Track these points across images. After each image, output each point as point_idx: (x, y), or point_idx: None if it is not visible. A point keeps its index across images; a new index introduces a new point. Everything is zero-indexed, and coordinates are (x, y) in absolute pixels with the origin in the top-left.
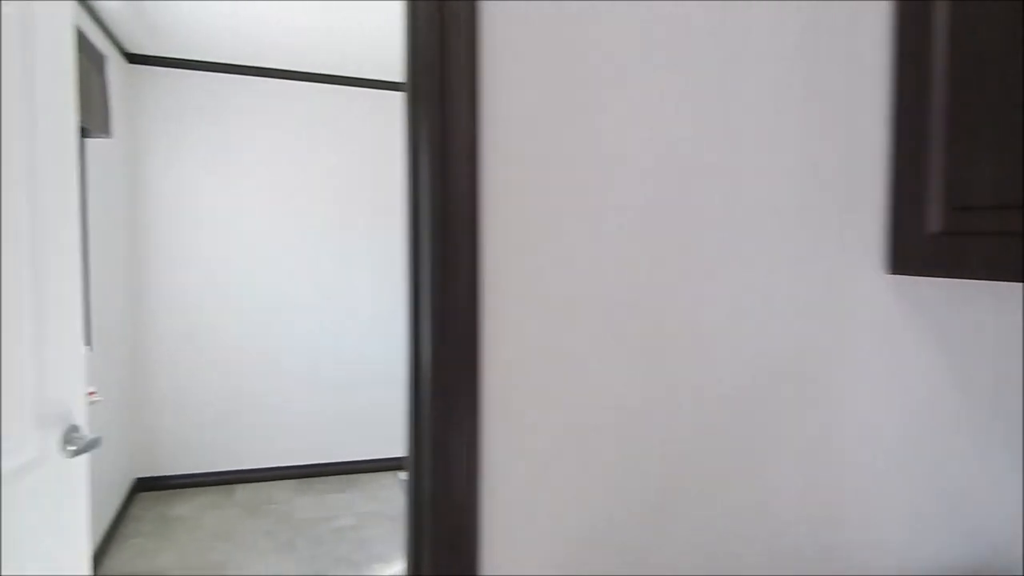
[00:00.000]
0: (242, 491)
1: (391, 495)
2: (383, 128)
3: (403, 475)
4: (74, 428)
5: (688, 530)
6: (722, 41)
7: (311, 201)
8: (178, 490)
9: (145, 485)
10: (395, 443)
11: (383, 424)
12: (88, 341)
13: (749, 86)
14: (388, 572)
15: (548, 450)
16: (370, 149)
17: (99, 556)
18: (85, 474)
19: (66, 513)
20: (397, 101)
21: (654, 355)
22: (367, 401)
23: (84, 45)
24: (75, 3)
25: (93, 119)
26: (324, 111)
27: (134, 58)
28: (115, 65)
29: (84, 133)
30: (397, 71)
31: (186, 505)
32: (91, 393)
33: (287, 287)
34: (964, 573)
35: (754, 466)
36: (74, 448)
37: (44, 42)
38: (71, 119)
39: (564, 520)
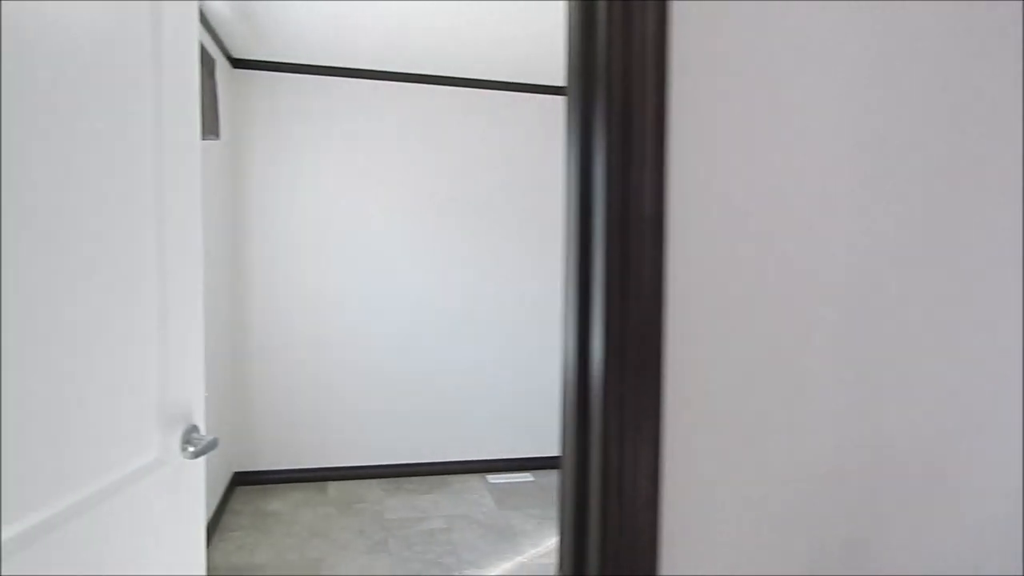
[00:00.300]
0: (334, 488)
1: (480, 499)
2: (486, 128)
3: (492, 478)
4: (194, 428)
5: None
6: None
7: (408, 203)
8: (272, 485)
9: (242, 479)
10: (483, 446)
11: (471, 426)
12: None
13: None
14: None
15: (730, 501)
16: (471, 150)
17: None
18: (203, 474)
19: (185, 513)
20: (500, 100)
21: (853, 413)
22: (456, 403)
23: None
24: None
25: (204, 122)
26: (426, 112)
27: (237, 63)
28: (220, 69)
29: None
30: (503, 70)
31: (281, 501)
32: None
33: (382, 288)
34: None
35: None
36: (194, 449)
37: (171, 44)
38: (195, 123)
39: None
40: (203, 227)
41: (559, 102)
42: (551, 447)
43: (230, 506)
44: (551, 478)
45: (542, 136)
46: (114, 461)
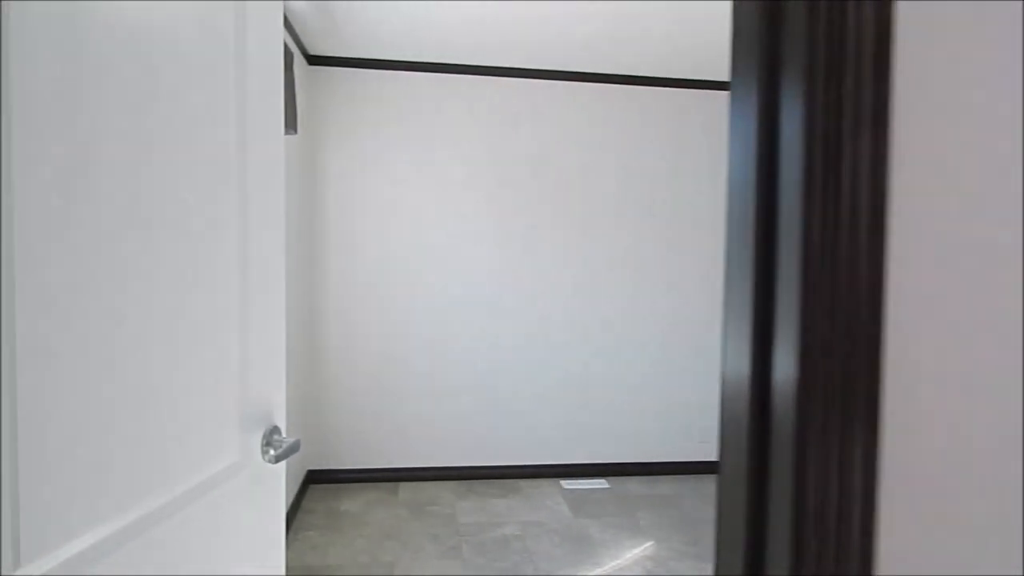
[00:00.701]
0: (405, 489)
1: (554, 505)
2: (574, 119)
3: (566, 484)
4: (275, 430)
5: None
6: None
7: (494, 199)
8: (345, 484)
9: (315, 477)
10: (558, 451)
11: (544, 429)
12: None
13: None
14: None
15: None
16: (573, 145)
17: None
18: (283, 476)
19: (266, 514)
20: (581, 92)
21: None
22: (528, 405)
23: None
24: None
25: (284, 117)
26: (507, 105)
27: (314, 60)
28: (296, 66)
29: None
30: (581, 60)
31: (354, 501)
32: None
33: (461, 287)
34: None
35: None
36: (275, 453)
37: (255, 40)
38: (279, 119)
39: None
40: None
41: (664, 92)
42: (626, 451)
43: (304, 504)
44: (627, 485)
45: (659, 128)
46: (197, 463)
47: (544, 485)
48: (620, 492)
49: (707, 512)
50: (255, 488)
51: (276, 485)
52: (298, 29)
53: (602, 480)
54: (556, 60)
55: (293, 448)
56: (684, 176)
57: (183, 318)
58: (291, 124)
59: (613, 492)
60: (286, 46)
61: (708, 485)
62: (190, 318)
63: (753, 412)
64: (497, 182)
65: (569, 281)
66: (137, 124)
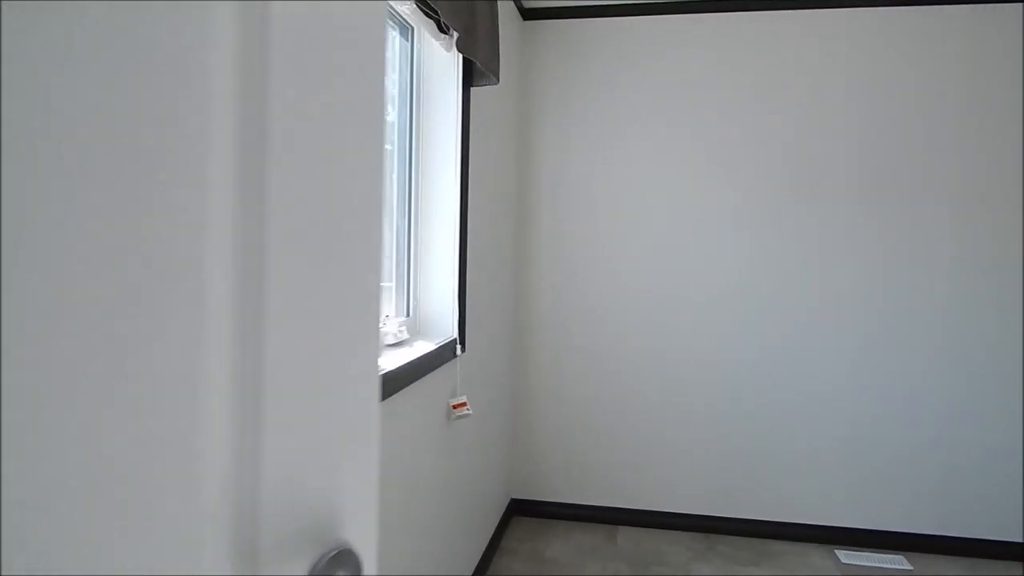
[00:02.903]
0: (625, 537)
1: None
2: (855, 60)
3: (845, 556)
4: (341, 556)
5: None
6: None
7: (740, 172)
8: (553, 521)
9: (520, 508)
10: (833, 508)
11: (816, 478)
12: (463, 341)
13: None
14: None
15: None
16: (834, 96)
17: None
18: None
19: None
20: (866, 20)
21: None
22: (792, 446)
23: None
24: None
25: (488, 61)
26: (770, 46)
27: (529, 13)
28: (510, 21)
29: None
30: None
31: (563, 544)
32: (460, 405)
33: (697, 286)
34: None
35: None
36: None
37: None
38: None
39: None
40: (489, 206)
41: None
42: (931, 518)
43: (504, 544)
44: (937, 566)
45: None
46: None
47: (812, 553)
48: None
49: None
50: None
51: None
52: None
53: (898, 556)
54: None
55: None
56: (988, 135)
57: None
58: (492, 69)
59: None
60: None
61: None
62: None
63: None
64: (746, 152)
65: (852, 279)
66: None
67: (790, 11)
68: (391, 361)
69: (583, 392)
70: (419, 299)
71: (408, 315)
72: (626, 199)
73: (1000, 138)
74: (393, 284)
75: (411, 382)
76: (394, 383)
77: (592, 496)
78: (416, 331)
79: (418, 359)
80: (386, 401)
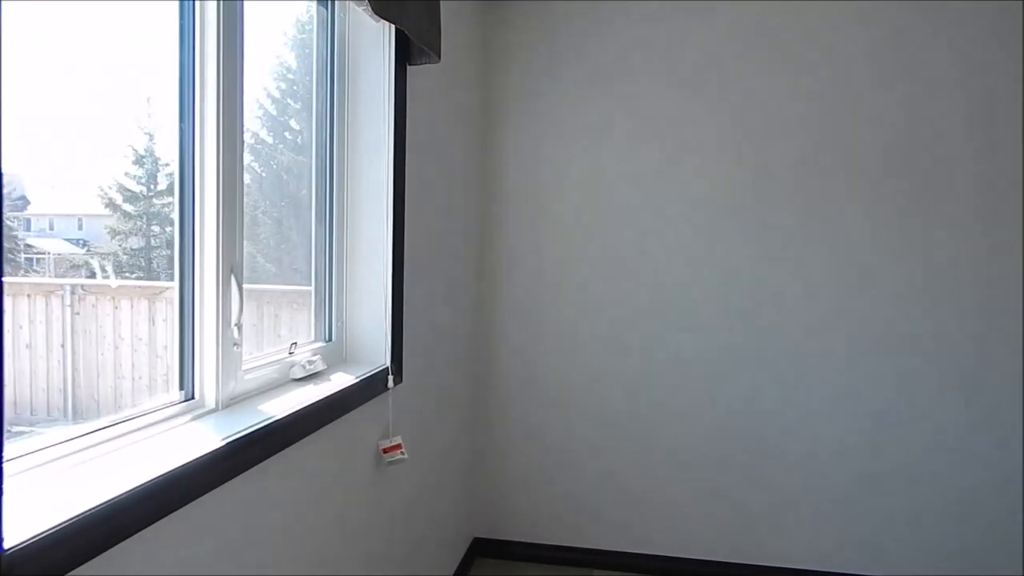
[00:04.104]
0: None
1: None
2: (868, 47)
3: None
4: None
5: None
6: None
7: (750, 171)
8: (521, 563)
9: (485, 549)
10: (821, 554)
11: (812, 518)
12: (397, 371)
13: None
14: None
15: None
16: (843, 75)
17: None
18: None
19: None
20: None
21: None
22: (790, 482)
23: None
24: None
25: (422, 32)
26: (768, 30)
27: None
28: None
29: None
30: None
31: None
32: (394, 448)
33: (695, 306)
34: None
35: None
36: None
37: None
38: None
39: None
40: (439, 209)
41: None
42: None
43: None
44: None
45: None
46: None
47: None
48: None
49: None
50: None
51: None
52: None
53: None
54: None
55: None
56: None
57: None
58: (431, 46)
59: None
60: None
61: None
62: None
63: None
64: (734, 147)
65: (848, 287)
66: None
67: (780, 1)
68: (287, 403)
69: (555, 422)
70: (347, 321)
71: (329, 340)
72: (603, 204)
73: (1006, 138)
74: (312, 303)
75: (319, 427)
76: (292, 430)
77: (564, 536)
78: (343, 358)
79: (328, 398)
80: (278, 455)
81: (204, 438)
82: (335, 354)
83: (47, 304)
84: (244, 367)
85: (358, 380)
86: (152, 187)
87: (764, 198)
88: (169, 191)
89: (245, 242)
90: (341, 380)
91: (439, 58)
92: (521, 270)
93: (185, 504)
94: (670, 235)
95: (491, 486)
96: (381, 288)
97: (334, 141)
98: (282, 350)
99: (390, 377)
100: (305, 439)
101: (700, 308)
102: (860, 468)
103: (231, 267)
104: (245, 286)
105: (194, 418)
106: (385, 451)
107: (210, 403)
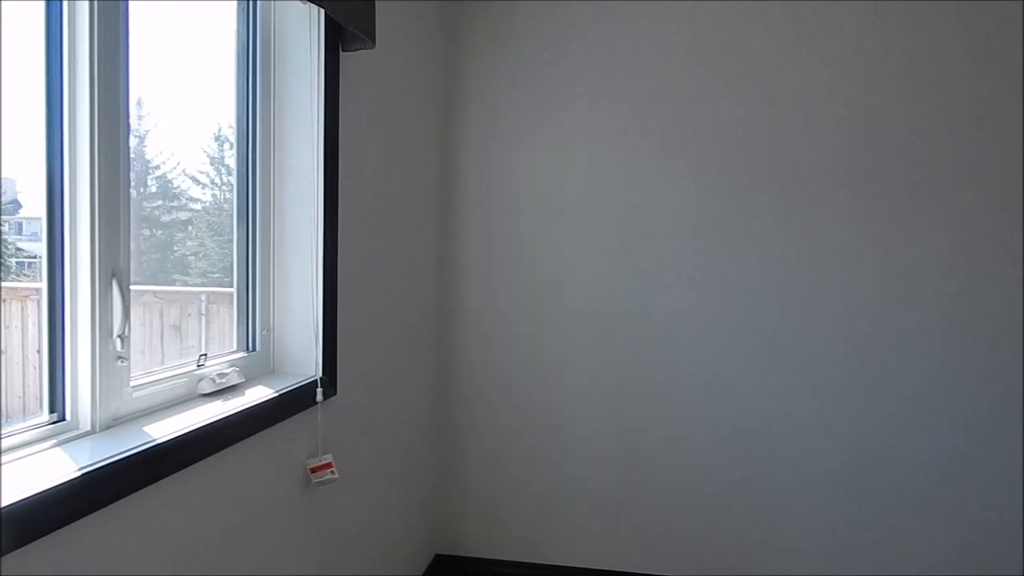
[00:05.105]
0: None
1: None
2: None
3: None
4: None
5: None
6: None
7: (730, 173)
8: None
9: (448, 567)
10: (809, 567)
11: (785, 531)
12: (330, 383)
13: None
14: None
15: None
16: (810, 84)
17: None
18: None
19: None
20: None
21: None
22: (792, 496)
23: None
24: None
25: (351, 15)
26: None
27: None
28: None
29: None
30: None
31: None
32: (323, 467)
33: (669, 313)
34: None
35: None
36: None
37: None
38: None
39: None
40: (386, 208)
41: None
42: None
43: None
44: None
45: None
46: None
47: None
48: None
49: None
50: None
51: None
52: None
53: None
54: None
55: None
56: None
57: None
58: (364, 30)
59: None
60: None
61: None
62: None
63: None
64: (711, 148)
65: (834, 292)
66: None
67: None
68: (181, 423)
69: (518, 437)
70: (275, 329)
71: (252, 350)
72: (570, 210)
73: (1000, 137)
74: (235, 310)
75: (223, 447)
76: (186, 452)
77: (529, 552)
78: (270, 370)
79: (236, 415)
80: (163, 482)
81: (59, 467)
82: (260, 365)
83: None
84: (134, 383)
85: (277, 394)
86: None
87: (738, 205)
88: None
89: (133, 244)
90: (257, 394)
91: (374, 43)
92: (482, 278)
93: (24, 544)
94: (643, 243)
95: (454, 502)
96: (311, 294)
97: (257, 133)
98: (189, 363)
99: (319, 390)
100: (203, 462)
101: (664, 321)
102: (856, 474)
103: (112, 271)
104: (145, 288)
105: (60, 443)
106: (313, 471)
107: (85, 425)
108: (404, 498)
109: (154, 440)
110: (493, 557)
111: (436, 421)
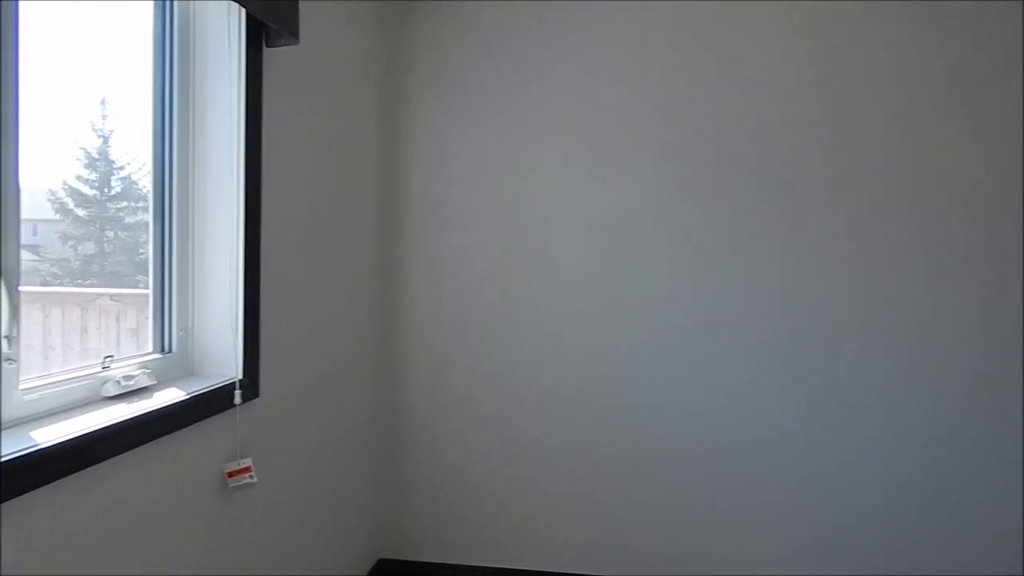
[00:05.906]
0: None
1: None
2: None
3: None
4: None
5: None
6: None
7: (701, 173)
8: None
9: (391, 571)
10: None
11: (747, 536)
12: (251, 385)
13: None
14: None
15: None
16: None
17: None
18: None
19: None
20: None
21: None
22: (740, 494)
23: None
24: None
25: (268, 10)
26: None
27: None
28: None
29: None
30: None
31: None
32: (241, 471)
33: (630, 313)
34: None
35: None
36: None
37: None
38: None
39: None
40: (319, 204)
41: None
42: None
43: None
44: None
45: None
46: None
47: None
48: None
49: None
50: None
51: None
52: None
53: None
54: None
55: None
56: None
57: None
58: (285, 25)
59: None
60: None
61: None
62: None
63: None
64: (685, 147)
65: (817, 300)
66: None
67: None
68: (76, 425)
69: (462, 439)
70: (194, 330)
71: (168, 351)
72: (523, 211)
73: (993, 141)
74: (150, 309)
75: (122, 451)
76: (79, 456)
77: (482, 556)
78: (188, 372)
79: (138, 418)
80: (49, 487)
81: None
82: (176, 367)
83: None
84: (25, 386)
85: (188, 396)
86: None
87: (702, 202)
88: None
89: (26, 241)
90: (166, 396)
91: (297, 39)
92: (428, 279)
93: None
94: (610, 241)
95: (398, 506)
96: (232, 295)
97: (174, 129)
98: (93, 365)
99: (237, 392)
100: (103, 464)
101: (617, 325)
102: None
103: None
104: (44, 290)
105: None
106: (231, 475)
107: None
108: (340, 502)
109: (37, 444)
110: (440, 561)
111: (378, 424)
